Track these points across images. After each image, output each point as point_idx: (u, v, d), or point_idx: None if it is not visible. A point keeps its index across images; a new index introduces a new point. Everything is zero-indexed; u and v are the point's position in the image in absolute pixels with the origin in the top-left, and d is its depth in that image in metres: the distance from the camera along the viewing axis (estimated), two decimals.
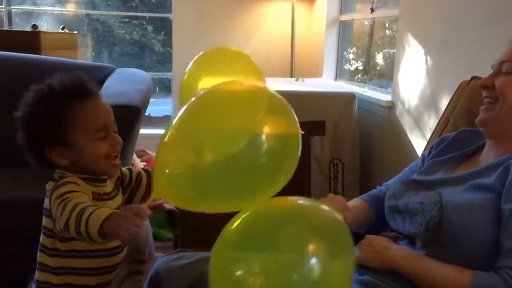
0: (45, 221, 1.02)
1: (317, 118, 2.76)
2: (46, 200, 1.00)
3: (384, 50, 3.44)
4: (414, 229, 1.03)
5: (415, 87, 2.43)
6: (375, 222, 1.25)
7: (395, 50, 2.73)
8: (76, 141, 0.99)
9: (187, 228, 1.50)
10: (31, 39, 3.04)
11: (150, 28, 4.98)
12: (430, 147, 1.28)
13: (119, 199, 1.12)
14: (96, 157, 1.02)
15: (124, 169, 1.16)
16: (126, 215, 0.84)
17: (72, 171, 1.02)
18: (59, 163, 1.01)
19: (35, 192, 1.66)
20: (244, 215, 0.81)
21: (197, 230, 1.28)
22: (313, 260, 0.72)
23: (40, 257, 1.05)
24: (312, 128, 2.67)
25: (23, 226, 1.72)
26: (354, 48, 3.91)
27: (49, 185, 1.01)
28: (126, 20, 4.96)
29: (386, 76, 3.27)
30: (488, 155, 1.10)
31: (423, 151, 1.49)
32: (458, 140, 1.22)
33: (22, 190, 1.78)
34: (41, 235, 1.05)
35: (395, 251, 1.04)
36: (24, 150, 1.03)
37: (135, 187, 1.17)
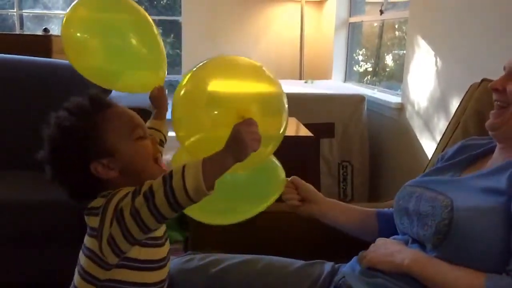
0: (88, 240, 0.93)
1: (326, 120, 2.77)
2: (93, 218, 0.90)
3: (393, 51, 3.43)
4: (423, 232, 1.03)
5: (425, 89, 2.42)
6: (378, 235, 1.23)
7: (404, 51, 2.73)
8: (118, 146, 0.93)
9: (197, 230, 1.50)
10: (42, 43, 3.07)
11: (159, 30, 5.01)
12: (436, 161, 1.28)
13: None
14: (145, 158, 0.95)
15: None
16: (232, 132, 0.83)
17: (121, 186, 0.92)
18: (107, 177, 0.92)
19: (52, 194, 1.68)
20: None
21: (207, 232, 1.28)
22: None
23: (76, 279, 0.96)
24: (321, 130, 2.67)
25: (39, 227, 1.75)
26: (364, 49, 3.90)
27: (97, 202, 0.91)
28: None
29: (395, 78, 3.26)
30: (498, 159, 1.09)
31: (428, 164, 1.49)
32: (467, 146, 1.21)
33: (38, 192, 1.80)
34: (81, 253, 0.95)
35: (406, 254, 1.04)
36: (61, 184, 0.95)
37: None
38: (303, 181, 1.23)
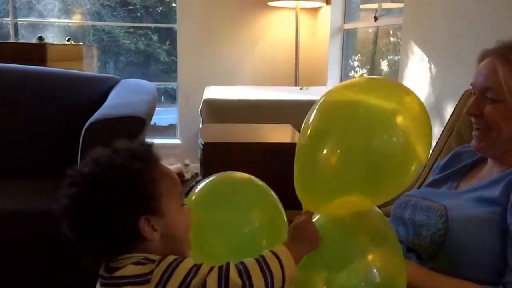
0: None
1: None
2: None
3: (388, 57, 3.45)
4: (419, 241, 1.02)
5: (419, 95, 2.42)
6: None
7: (399, 57, 2.74)
8: (169, 207, 0.84)
9: None
10: (37, 51, 3.07)
11: (155, 37, 5.01)
12: (432, 171, 1.29)
13: None
14: (186, 226, 0.88)
15: None
16: (299, 226, 0.87)
17: (153, 251, 0.82)
18: (151, 238, 0.82)
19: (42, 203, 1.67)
20: None
21: None
22: None
23: None
24: None
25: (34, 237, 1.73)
26: (359, 55, 3.92)
27: (131, 271, 0.79)
28: (131, 30, 4.99)
29: None
30: (492, 170, 1.09)
31: (423, 170, 1.48)
32: (460, 153, 1.21)
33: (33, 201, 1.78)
34: None
35: None
36: (90, 233, 0.82)
37: None
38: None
